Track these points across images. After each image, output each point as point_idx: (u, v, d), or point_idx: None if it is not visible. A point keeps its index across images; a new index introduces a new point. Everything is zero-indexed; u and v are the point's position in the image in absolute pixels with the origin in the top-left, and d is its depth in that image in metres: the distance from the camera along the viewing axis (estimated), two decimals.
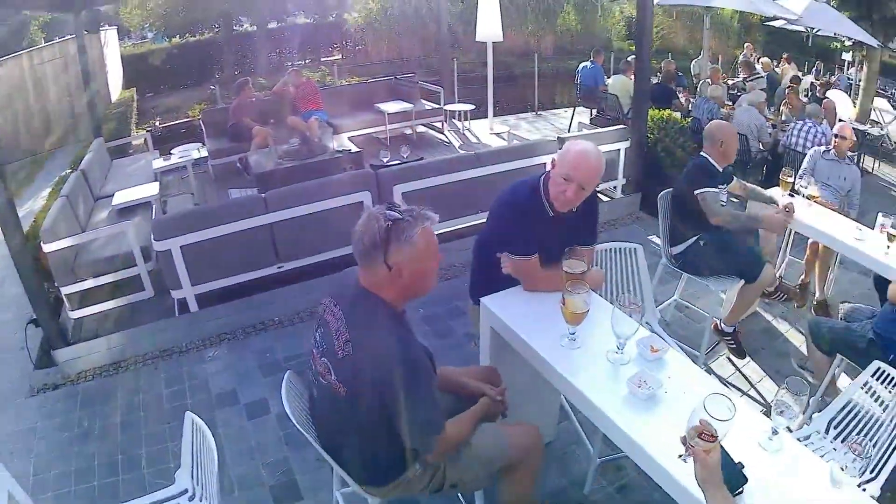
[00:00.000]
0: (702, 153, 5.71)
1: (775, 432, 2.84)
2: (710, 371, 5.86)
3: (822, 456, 3.68)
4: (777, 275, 7.08)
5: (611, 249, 4.84)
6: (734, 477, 2.51)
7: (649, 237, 8.30)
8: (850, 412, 3.95)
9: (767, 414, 3.08)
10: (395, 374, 2.60)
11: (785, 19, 15.70)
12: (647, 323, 4.86)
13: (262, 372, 5.96)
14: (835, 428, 3.95)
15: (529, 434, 3.36)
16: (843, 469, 2.78)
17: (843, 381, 5.24)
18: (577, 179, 3.59)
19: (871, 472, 3.49)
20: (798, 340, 6.53)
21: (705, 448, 2.35)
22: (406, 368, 2.62)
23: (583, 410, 3.19)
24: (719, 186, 5.66)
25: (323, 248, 6.75)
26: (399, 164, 7.33)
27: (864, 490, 3.09)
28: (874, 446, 3.63)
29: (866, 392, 4.00)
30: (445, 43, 13.54)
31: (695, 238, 5.64)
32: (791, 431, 3.14)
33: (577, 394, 3.15)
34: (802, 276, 7.34)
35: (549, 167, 3.83)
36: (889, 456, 3.47)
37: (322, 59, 20.99)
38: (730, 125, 5.92)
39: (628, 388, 3.05)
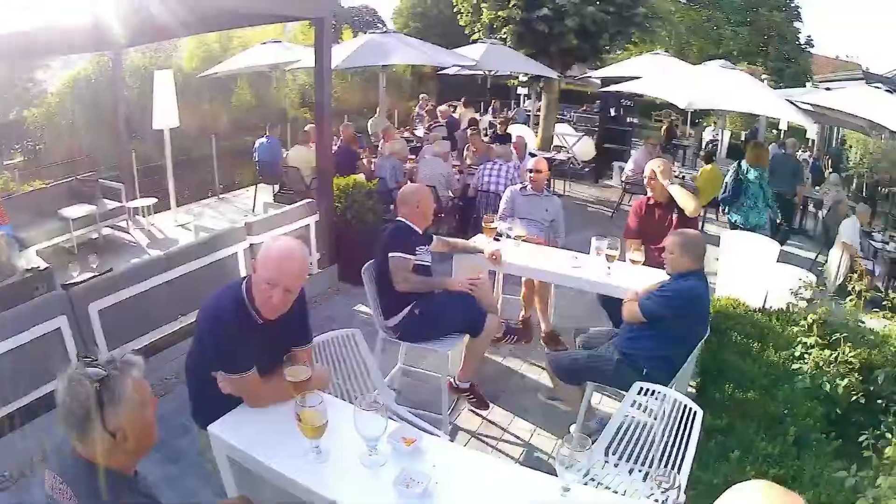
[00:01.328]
0: (398, 218, 5.51)
1: (567, 489, 2.79)
2: (456, 429, 5.73)
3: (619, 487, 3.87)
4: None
5: (329, 341, 4.44)
6: None
7: (355, 308, 8.11)
8: (623, 434, 4.07)
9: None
10: None
11: (464, 66, 16.15)
12: (384, 405, 4.59)
13: None
14: (613, 454, 4.06)
15: None
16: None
17: (596, 400, 5.54)
18: (282, 283, 3.25)
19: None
20: (535, 373, 6.65)
21: None
22: None
23: None
24: (418, 249, 5.41)
25: (17, 394, 5.80)
26: (89, 279, 6.66)
27: None
28: (661, 460, 3.80)
29: (636, 409, 4.20)
30: (124, 134, 12.79)
31: (408, 308, 5.37)
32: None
33: None
34: (522, 313, 7.42)
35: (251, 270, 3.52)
36: (675, 463, 3.70)
37: (6, 163, 19.52)
38: (421, 186, 5.86)
39: (397, 491, 2.81)
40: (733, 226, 9.61)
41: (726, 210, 10.00)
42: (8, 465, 5.26)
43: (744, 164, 9.45)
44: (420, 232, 5.46)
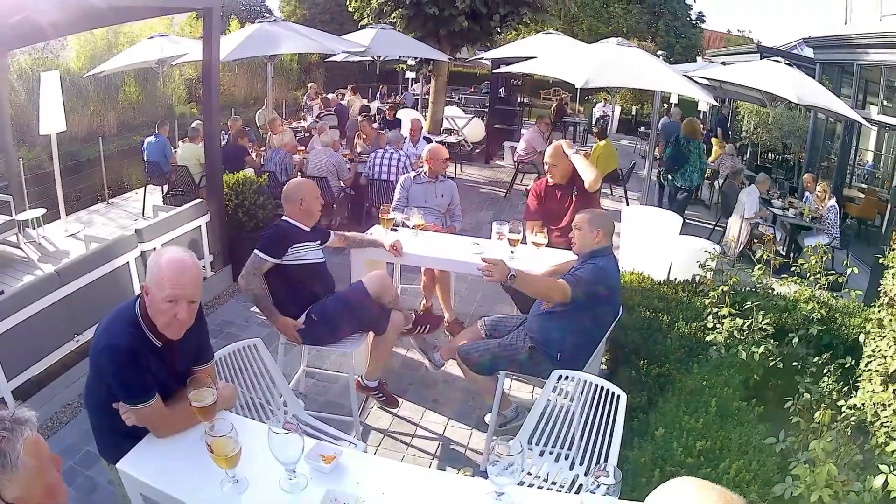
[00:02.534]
0: (283, 217, 5.22)
1: (501, 493, 2.69)
2: (368, 430, 5.57)
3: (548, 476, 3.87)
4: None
5: (230, 354, 4.15)
6: None
7: (252, 310, 7.67)
8: (545, 422, 4.00)
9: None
10: None
11: (353, 53, 15.89)
12: (293, 417, 4.37)
13: None
14: (537, 444, 4.00)
15: None
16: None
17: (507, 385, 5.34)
18: (184, 297, 2.99)
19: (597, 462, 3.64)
20: None
21: None
22: None
23: None
24: (298, 248, 5.07)
25: None
26: None
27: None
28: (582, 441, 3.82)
29: (555, 394, 4.11)
30: (10, 143, 12.16)
31: (305, 314, 5.10)
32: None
33: None
34: (423, 302, 7.28)
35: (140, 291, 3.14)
36: (601, 442, 3.70)
37: None
38: (303, 182, 5.45)
39: None
40: (677, 189, 11.94)
41: (669, 177, 12.22)
42: None
43: (681, 137, 11.97)
44: (307, 229, 5.20)
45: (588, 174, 6.11)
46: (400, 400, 5.79)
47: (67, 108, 11.87)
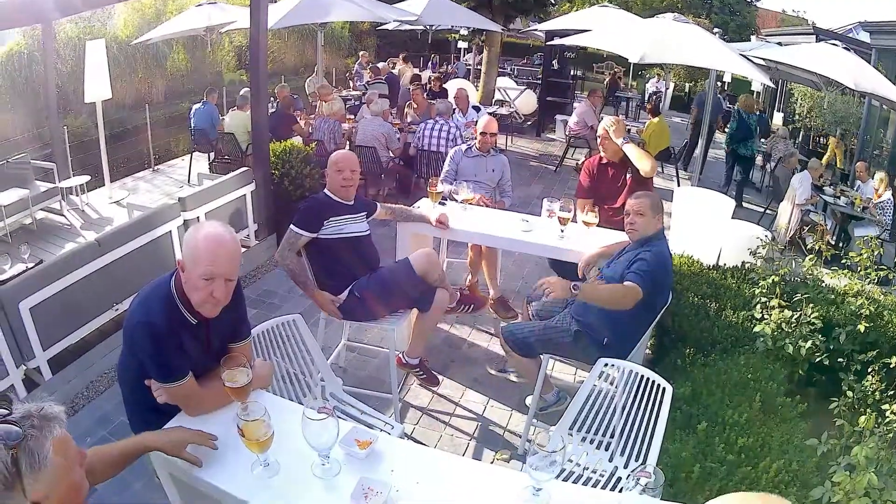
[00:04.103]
0: (325, 190, 5.16)
1: (539, 489, 2.63)
2: (407, 407, 5.54)
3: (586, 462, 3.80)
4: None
5: (268, 330, 4.11)
6: None
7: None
8: (588, 410, 3.92)
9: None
10: None
11: (404, 22, 15.81)
12: (331, 394, 4.39)
13: None
14: (578, 431, 3.92)
15: None
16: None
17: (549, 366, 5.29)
18: (221, 274, 2.91)
19: (637, 459, 3.62)
20: (484, 340, 6.54)
21: None
22: None
23: None
24: (334, 221, 5.01)
25: None
26: (19, 273, 6.24)
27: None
28: (623, 432, 3.74)
29: (601, 381, 4.02)
30: (54, 111, 12.24)
31: (348, 290, 5.05)
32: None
33: None
34: (469, 277, 7.18)
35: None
36: (643, 434, 3.62)
37: None
38: (344, 154, 5.30)
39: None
40: (741, 157, 13.51)
41: (734, 147, 13.57)
42: None
43: (742, 111, 13.38)
44: (347, 203, 5.14)
45: (644, 164, 5.98)
46: (440, 378, 5.77)
47: (114, 75, 11.96)
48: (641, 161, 5.99)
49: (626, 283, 4.38)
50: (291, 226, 4.94)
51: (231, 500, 2.69)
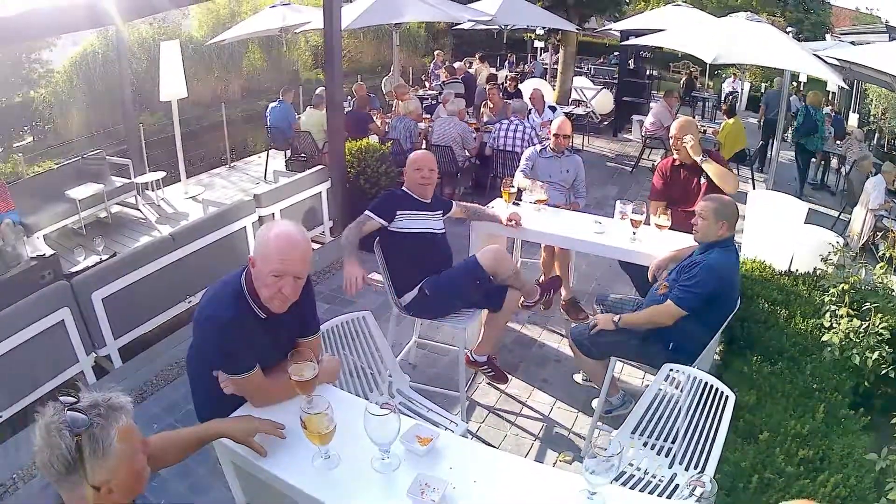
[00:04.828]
0: (403, 186, 5.30)
1: (594, 493, 2.64)
2: (473, 405, 5.62)
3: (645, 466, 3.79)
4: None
5: (339, 326, 4.23)
6: None
7: (369, 276, 7.85)
8: (651, 415, 3.93)
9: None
10: None
11: (479, 21, 15.87)
12: (398, 391, 4.49)
13: None
14: (641, 435, 3.91)
15: None
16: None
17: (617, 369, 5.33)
18: (290, 272, 3.01)
19: (696, 466, 3.58)
20: (555, 341, 6.55)
21: None
22: None
23: None
24: (406, 214, 5.14)
25: (31, 386, 5.61)
26: (93, 265, 6.48)
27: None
28: (685, 438, 3.73)
29: (667, 385, 4.06)
30: (130, 109, 12.60)
31: (417, 288, 5.14)
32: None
33: None
34: (542, 278, 7.21)
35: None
36: (704, 441, 3.60)
37: (14, 145, 19.39)
38: (421, 154, 5.41)
39: (412, 500, 2.63)
40: (806, 151, 13.91)
41: (799, 140, 13.90)
42: (11, 470, 5.07)
43: (809, 107, 13.68)
44: (422, 200, 5.25)
45: (725, 184, 5.90)
46: (509, 377, 5.79)
47: (190, 74, 12.24)
48: (722, 180, 5.91)
49: (667, 301, 4.51)
50: (366, 210, 5.10)
51: (290, 490, 2.79)
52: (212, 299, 3.18)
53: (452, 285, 5.13)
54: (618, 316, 4.71)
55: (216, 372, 3.17)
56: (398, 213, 5.10)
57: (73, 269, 6.99)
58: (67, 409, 2.02)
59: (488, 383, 5.80)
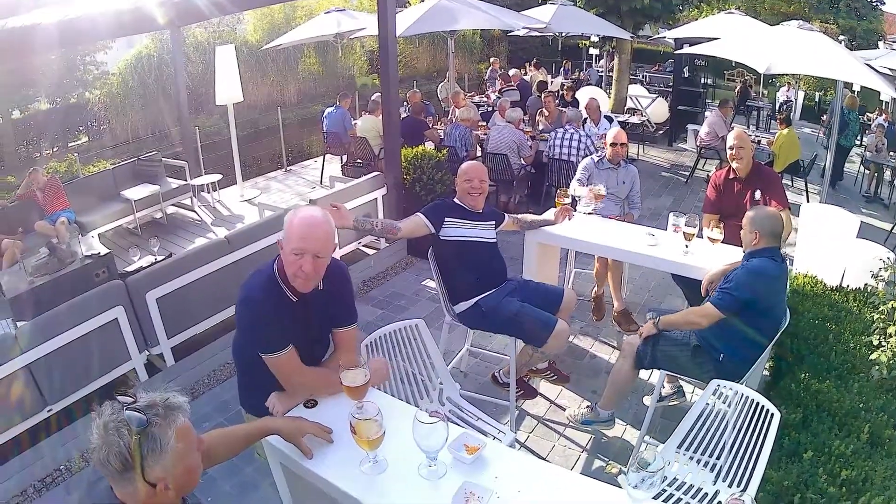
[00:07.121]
0: (455, 198, 5.38)
1: None
2: (523, 415, 5.68)
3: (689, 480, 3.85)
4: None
5: (391, 333, 4.33)
6: None
7: (423, 283, 8.11)
8: (698, 431, 3.96)
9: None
10: None
11: (533, 29, 15.94)
12: (448, 398, 4.57)
13: None
14: (686, 450, 3.96)
15: None
16: None
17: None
18: (309, 250, 3.16)
19: (739, 484, 3.59)
20: (606, 353, 6.58)
21: None
22: None
23: None
24: (454, 222, 5.22)
25: (84, 381, 5.81)
26: (148, 266, 6.68)
27: None
28: (730, 454, 3.76)
29: (715, 399, 4.06)
30: (186, 112, 12.84)
31: (474, 301, 5.22)
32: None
33: None
34: (595, 289, 7.27)
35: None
36: (749, 458, 3.60)
37: (70, 145, 19.80)
38: (472, 165, 5.45)
39: None
40: (843, 148, 14.79)
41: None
42: (63, 458, 5.31)
43: (844, 107, 13.49)
44: (473, 210, 5.32)
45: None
46: (561, 387, 5.93)
47: (246, 78, 12.45)
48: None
49: (705, 303, 4.57)
50: (419, 210, 5.28)
51: (336, 492, 2.88)
52: (247, 283, 3.41)
53: (510, 311, 5.11)
54: (657, 317, 4.77)
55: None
56: (446, 219, 5.20)
57: (128, 269, 7.21)
58: (125, 409, 2.11)
59: (548, 382, 5.89)
